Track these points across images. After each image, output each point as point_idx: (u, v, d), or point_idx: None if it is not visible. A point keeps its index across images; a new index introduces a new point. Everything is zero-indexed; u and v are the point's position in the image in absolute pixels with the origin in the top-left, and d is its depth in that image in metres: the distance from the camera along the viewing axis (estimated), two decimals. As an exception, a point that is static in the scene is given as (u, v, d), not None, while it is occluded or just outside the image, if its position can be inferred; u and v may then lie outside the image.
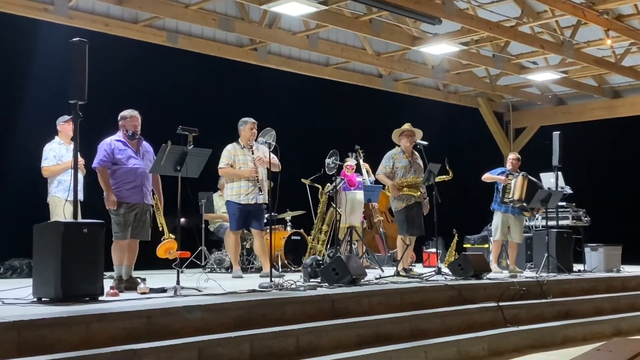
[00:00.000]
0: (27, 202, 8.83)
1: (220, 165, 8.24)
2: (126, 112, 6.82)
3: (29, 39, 9.80)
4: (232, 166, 8.25)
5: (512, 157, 10.14)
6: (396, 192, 8.63)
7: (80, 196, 7.83)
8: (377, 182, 10.82)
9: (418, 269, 9.80)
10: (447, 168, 8.63)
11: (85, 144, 6.46)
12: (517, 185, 9.55)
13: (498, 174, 9.82)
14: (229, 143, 8.35)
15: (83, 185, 7.84)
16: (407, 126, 8.84)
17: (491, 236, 10.24)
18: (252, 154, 8.28)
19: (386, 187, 8.87)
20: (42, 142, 7.90)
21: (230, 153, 8.27)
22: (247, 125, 8.31)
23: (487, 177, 9.87)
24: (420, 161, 8.84)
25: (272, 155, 8.03)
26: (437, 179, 8.56)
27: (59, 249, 5.29)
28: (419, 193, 8.65)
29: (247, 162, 8.24)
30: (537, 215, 11.35)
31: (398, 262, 8.64)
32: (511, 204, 9.63)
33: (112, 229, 6.58)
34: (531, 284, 8.14)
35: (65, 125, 7.80)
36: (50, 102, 8.48)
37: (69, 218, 7.15)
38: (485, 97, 15.71)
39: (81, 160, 7.48)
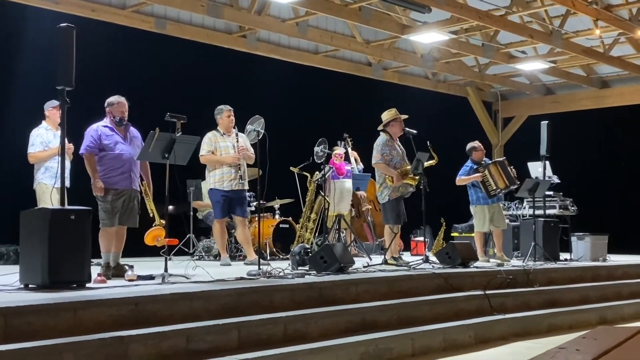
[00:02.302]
0: (14, 189, 8.78)
1: (202, 152, 8.21)
2: (113, 98, 6.78)
3: (16, 24, 9.72)
4: (213, 153, 8.26)
5: (479, 145, 9.77)
6: (400, 180, 8.37)
7: (67, 183, 7.80)
8: (365, 170, 10.86)
9: (406, 257, 9.82)
10: (432, 153, 8.54)
11: (73, 130, 6.42)
12: (494, 175, 9.43)
13: (468, 173, 9.56)
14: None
15: (70, 172, 7.79)
16: (395, 112, 8.68)
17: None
18: (237, 141, 8.30)
19: (387, 177, 8.40)
20: (29, 128, 7.82)
21: (211, 140, 8.27)
22: (224, 113, 8.34)
23: (462, 180, 9.58)
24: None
25: (249, 146, 8.24)
26: (427, 165, 8.53)
27: (46, 235, 5.28)
28: (416, 181, 8.48)
29: (228, 149, 8.27)
30: (524, 205, 11.43)
31: (386, 251, 8.66)
32: (500, 194, 9.60)
33: (99, 216, 6.55)
34: (518, 273, 8.19)
35: (53, 111, 7.67)
36: (37, 88, 8.41)
37: (56, 205, 7.10)
38: (474, 86, 15.73)
39: (70, 146, 7.45)
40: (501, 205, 10.04)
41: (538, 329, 7.36)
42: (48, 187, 7.51)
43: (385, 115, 8.65)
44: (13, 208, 5.95)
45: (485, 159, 9.76)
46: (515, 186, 9.70)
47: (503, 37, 12.80)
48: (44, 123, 7.79)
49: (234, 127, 8.39)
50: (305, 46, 12.87)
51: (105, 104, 6.79)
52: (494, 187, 9.44)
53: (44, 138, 7.68)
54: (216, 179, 8.26)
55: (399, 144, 8.71)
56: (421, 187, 8.54)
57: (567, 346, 3.86)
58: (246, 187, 8.38)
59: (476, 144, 9.79)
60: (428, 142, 8.46)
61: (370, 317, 6.17)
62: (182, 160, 6.48)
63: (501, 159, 9.79)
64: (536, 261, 9.33)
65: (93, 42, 9.11)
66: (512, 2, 11.37)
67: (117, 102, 6.75)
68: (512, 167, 9.66)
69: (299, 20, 11.66)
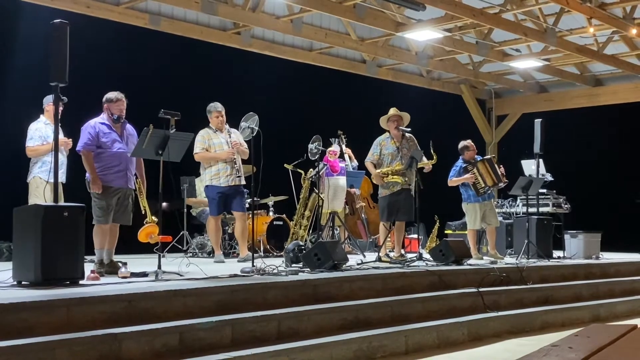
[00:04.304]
0: (8, 184, 8.74)
1: (196, 150, 8.22)
2: (112, 95, 6.71)
3: (11, 20, 9.68)
4: (207, 150, 8.27)
5: (470, 144, 9.74)
6: (380, 180, 8.61)
7: (63, 178, 7.80)
8: (360, 167, 10.86)
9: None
10: (432, 152, 8.61)
11: (72, 126, 6.40)
12: (483, 173, 9.42)
13: (459, 174, 9.54)
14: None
15: (66, 167, 7.78)
16: (393, 111, 8.77)
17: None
18: (230, 137, 8.31)
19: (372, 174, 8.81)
20: (24, 123, 7.80)
21: (204, 138, 8.29)
22: (212, 114, 8.36)
23: (454, 181, 9.57)
24: (412, 146, 8.77)
25: (242, 142, 8.24)
26: (422, 164, 8.58)
27: (39, 232, 5.27)
28: (404, 180, 8.59)
29: (222, 145, 8.28)
30: (518, 202, 11.46)
31: (380, 248, 8.67)
32: (488, 191, 9.61)
33: (93, 213, 6.53)
34: (511, 270, 8.21)
35: (53, 106, 7.65)
36: (32, 83, 8.38)
37: (49, 200, 7.09)
38: (468, 84, 15.74)
39: (69, 141, 7.47)
40: (494, 202, 10.06)
41: (531, 327, 7.39)
42: (42, 181, 7.50)
43: (389, 113, 8.77)
44: (7, 204, 5.92)
45: (476, 157, 9.78)
46: (502, 184, 9.72)
47: (497, 35, 12.81)
48: (42, 117, 7.79)
49: (239, 125, 8.41)
50: (299, 43, 12.86)
51: (104, 100, 6.71)
52: (483, 185, 9.45)
53: (43, 132, 7.69)
54: (212, 176, 8.27)
55: (400, 143, 8.73)
56: (411, 185, 8.58)
57: (560, 344, 3.87)
58: (243, 182, 8.37)
59: (468, 143, 9.78)
60: (430, 141, 8.58)
61: (363, 314, 6.18)
62: (176, 157, 6.47)
63: (488, 157, 9.82)
64: (529, 259, 9.35)
65: (87, 38, 9.10)
66: (506, 0, 11.38)
67: (117, 99, 6.68)
68: (500, 165, 9.70)
69: (293, 17, 11.65)
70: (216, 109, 8.34)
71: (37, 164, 7.70)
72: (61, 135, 7.70)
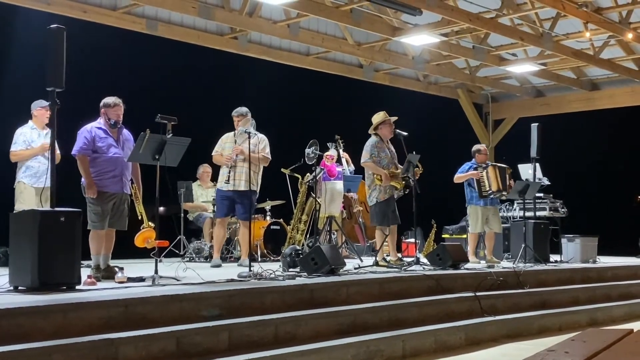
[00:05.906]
0: (2, 189, 8.72)
1: (213, 152, 8.50)
2: (110, 100, 6.69)
3: (7, 25, 9.69)
4: (221, 154, 8.41)
5: (483, 148, 9.96)
6: (388, 181, 8.43)
7: (48, 182, 7.76)
8: (356, 172, 10.87)
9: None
10: (417, 163, 8.58)
11: (60, 131, 6.38)
12: (491, 177, 9.52)
13: (467, 171, 9.69)
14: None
15: (50, 172, 7.74)
16: (384, 115, 8.72)
17: (468, 227, 10.24)
18: (235, 142, 8.32)
19: (375, 176, 8.50)
20: (17, 128, 7.77)
21: (222, 141, 8.47)
22: (233, 117, 8.42)
23: (459, 177, 9.71)
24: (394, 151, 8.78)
25: (263, 148, 8.23)
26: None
27: (36, 237, 5.26)
28: (402, 184, 8.55)
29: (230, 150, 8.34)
30: (515, 207, 11.47)
31: (377, 252, 8.66)
32: (491, 196, 9.65)
33: (88, 218, 6.51)
34: (508, 274, 8.21)
35: (42, 111, 7.56)
36: (27, 88, 8.38)
37: (32, 205, 7.09)
38: (464, 89, 15.77)
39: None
40: (497, 208, 10.10)
41: (528, 331, 7.39)
42: (26, 186, 7.51)
43: (375, 118, 8.71)
44: (3, 209, 5.91)
45: (487, 161, 9.86)
46: (505, 194, 9.81)
47: (493, 40, 12.84)
48: (30, 122, 7.71)
49: (245, 131, 8.35)
50: (296, 48, 12.87)
51: (101, 105, 6.69)
52: (487, 188, 9.53)
53: (27, 137, 7.60)
54: (218, 179, 8.49)
55: (390, 146, 8.73)
56: (407, 191, 8.57)
57: (556, 348, 3.88)
58: (243, 188, 8.13)
59: (482, 147, 10.00)
60: (414, 152, 8.48)
61: (361, 319, 6.17)
62: (173, 162, 6.45)
63: (503, 165, 9.88)
64: (526, 263, 9.35)
65: (84, 43, 9.10)
66: (502, 5, 11.41)
67: (115, 104, 6.65)
68: (511, 178, 9.81)
69: (290, 22, 11.66)
70: (234, 113, 8.43)
71: (22, 168, 7.61)
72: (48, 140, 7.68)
